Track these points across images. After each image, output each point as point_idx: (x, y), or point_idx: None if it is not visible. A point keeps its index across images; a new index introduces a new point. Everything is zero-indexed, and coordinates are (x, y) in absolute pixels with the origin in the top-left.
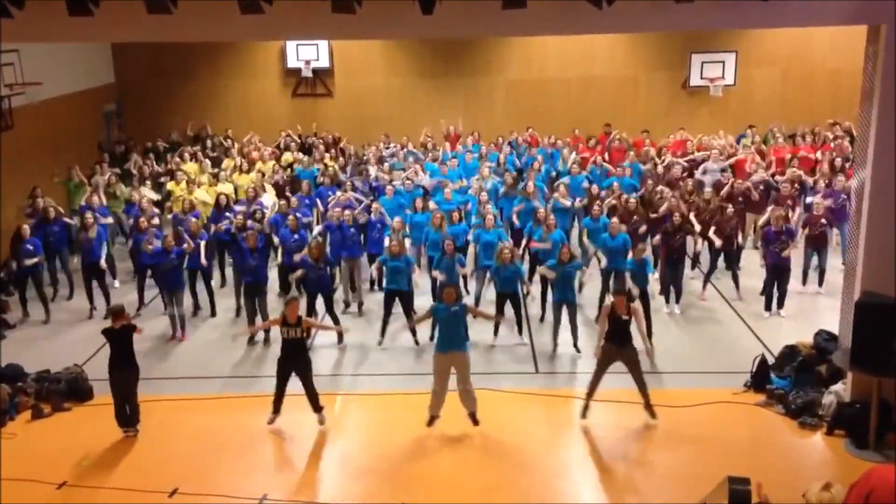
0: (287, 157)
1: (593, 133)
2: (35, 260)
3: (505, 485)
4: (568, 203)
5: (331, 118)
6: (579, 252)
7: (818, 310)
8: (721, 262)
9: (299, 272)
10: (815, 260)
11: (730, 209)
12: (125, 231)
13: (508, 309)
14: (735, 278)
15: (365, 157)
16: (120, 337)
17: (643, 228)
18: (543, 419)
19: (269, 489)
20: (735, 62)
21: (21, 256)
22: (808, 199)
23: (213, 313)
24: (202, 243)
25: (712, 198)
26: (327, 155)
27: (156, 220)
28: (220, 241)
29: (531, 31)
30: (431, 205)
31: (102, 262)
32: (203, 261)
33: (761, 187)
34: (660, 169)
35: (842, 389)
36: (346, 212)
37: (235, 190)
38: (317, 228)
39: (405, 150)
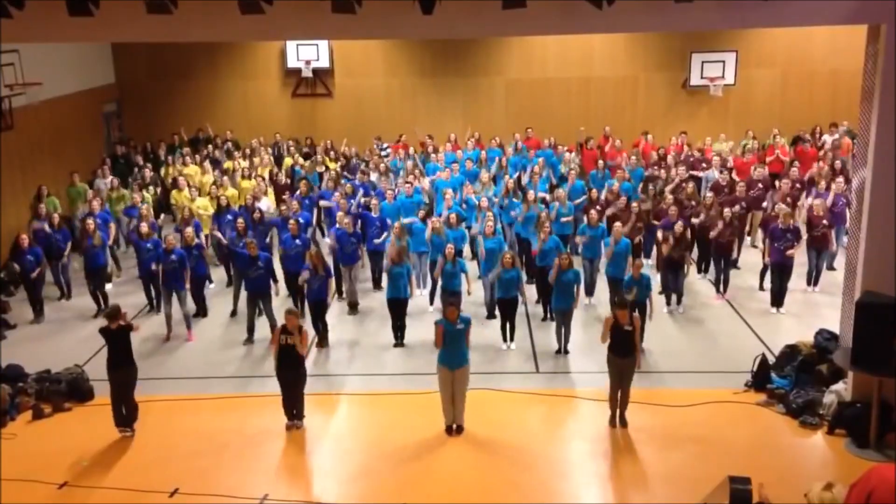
0: (287, 161)
1: (593, 134)
2: (38, 271)
3: (505, 485)
4: (567, 213)
5: (330, 118)
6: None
7: (819, 309)
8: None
9: (305, 274)
10: (815, 260)
11: (727, 213)
12: (125, 235)
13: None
14: (726, 280)
15: (366, 160)
16: (117, 337)
17: (640, 239)
18: (544, 419)
19: (269, 489)
20: (735, 62)
21: (24, 266)
22: (809, 201)
23: (205, 314)
24: (202, 248)
25: (713, 202)
26: (327, 158)
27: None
28: (223, 244)
29: (531, 31)
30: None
31: (110, 264)
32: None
33: (760, 185)
34: (662, 173)
35: (842, 389)
36: (346, 220)
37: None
38: (327, 240)
39: (407, 153)
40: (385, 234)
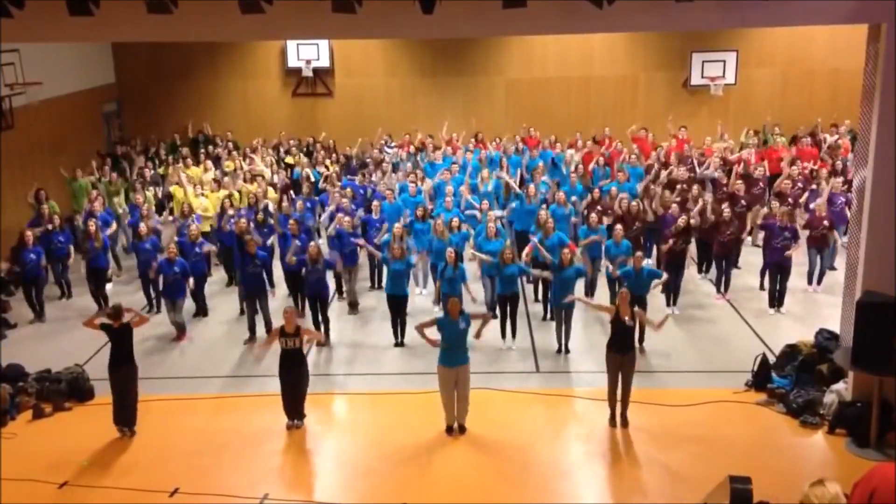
0: (288, 160)
1: (593, 134)
2: (42, 265)
3: (506, 484)
4: (567, 207)
5: (331, 118)
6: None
7: (819, 309)
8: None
9: (293, 257)
10: (817, 260)
11: (726, 212)
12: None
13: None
14: (727, 280)
15: (367, 158)
16: (119, 335)
17: (642, 237)
18: (544, 419)
19: (270, 489)
20: (736, 61)
21: (26, 265)
22: (812, 205)
23: (205, 313)
24: (204, 247)
25: (712, 202)
26: (328, 160)
27: (154, 221)
28: (224, 243)
29: (531, 30)
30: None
31: (111, 265)
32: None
33: (761, 184)
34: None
35: (843, 388)
36: (346, 219)
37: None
38: (323, 240)
39: (407, 153)
40: (384, 233)
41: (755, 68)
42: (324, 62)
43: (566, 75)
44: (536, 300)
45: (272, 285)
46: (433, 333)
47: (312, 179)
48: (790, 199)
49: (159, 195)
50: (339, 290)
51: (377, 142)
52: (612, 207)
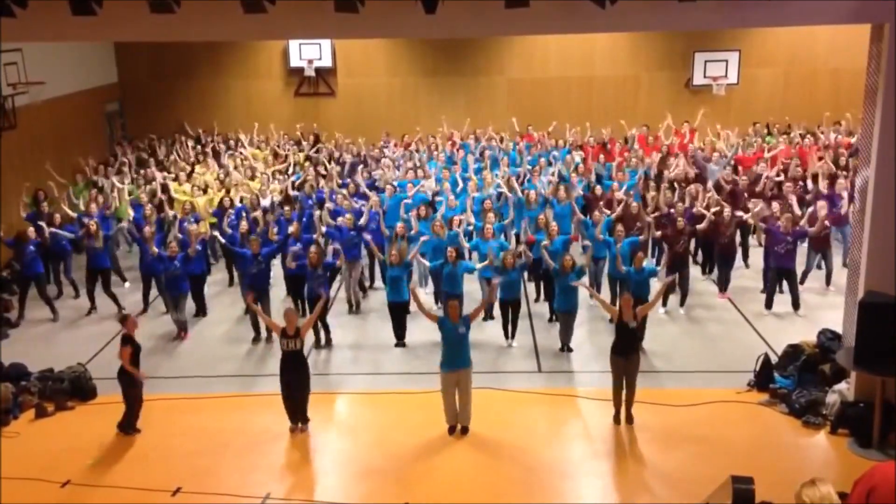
0: (291, 159)
1: (594, 132)
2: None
3: (508, 484)
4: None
5: (333, 117)
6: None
7: (821, 309)
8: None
9: (293, 258)
10: (820, 261)
11: (727, 211)
12: (133, 234)
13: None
14: (727, 278)
15: (365, 156)
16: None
17: (643, 236)
18: (546, 418)
19: (271, 488)
20: (738, 61)
21: (26, 261)
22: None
23: (205, 313)
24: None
25: (717, 201)
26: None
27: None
28: (229, 243)
29: (533, 30)
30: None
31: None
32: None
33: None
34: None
35: (845, 389)
36: (347, 215)
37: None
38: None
39: (408, 151)
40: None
41: (757, 68)
42: (326, 62)
43: (568, 75)
44: (537, 300)
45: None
46: (430, 309)
47: (313, 177)
48: (790, 201)
49: (158, 192)
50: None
51: (378, 143)
52: (611, 199)
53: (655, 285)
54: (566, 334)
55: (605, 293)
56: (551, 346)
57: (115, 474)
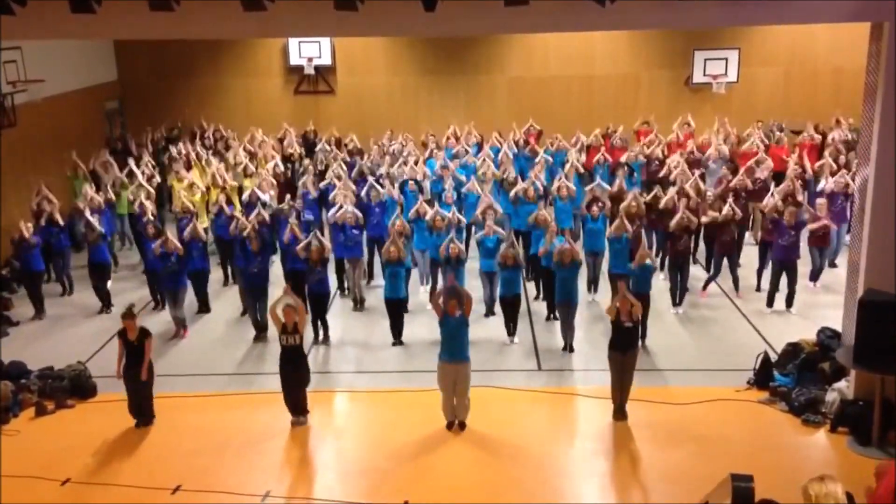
0: (289, 151)
1: (595, 131)
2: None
3: (508, 483)
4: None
5: (332, 115)
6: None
7: (821, 307)
8: (724, 263)
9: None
10: (818, 258)
11: (726, 209)
12: (134, 232)
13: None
14: (735, 279)
15: (369, 157)
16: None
17: (642, 235)
18: (546, 417)
19: (271, 486)
20: (738, 59)
21: (26, 257)
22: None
23: (207, 310)
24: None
25: (715, 198)
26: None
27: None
28: (222, 240)
29: (533, 28)
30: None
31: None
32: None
33: (761, 182)
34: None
35: (845, 387)
36: (348, 212)
37: (240, 191)
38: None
39: (408, 148)
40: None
41: (757, 66)
42: (325, 60)
43: (568, 73)
44: (537, 299)
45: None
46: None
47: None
48: (789, 197)
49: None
50: (340, 287)
51: (380, 141)
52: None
53: (657, 283)
54: (568, 331)
55: (605, 289)
56: (551, 345)
57: (116, 472)
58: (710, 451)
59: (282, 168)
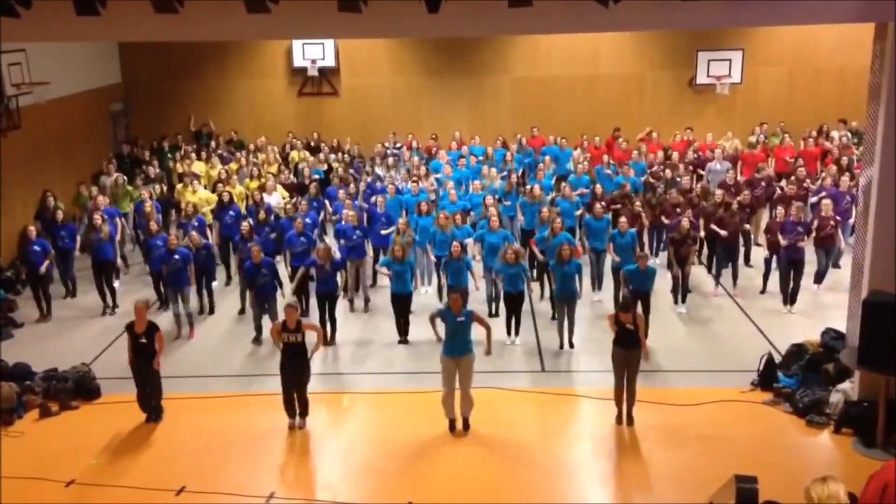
0: (294, 155)
1: (599, 132)
2: (47, 263)
3: (511, 483)
4: (574, 195)
5: (336, 117)
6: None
7: (825, 308)
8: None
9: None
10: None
11: (734, 205)
12: (136, 230)
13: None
14: (735, 273)
15: (365, 162)
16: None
17: (646, 235)
18: (550, 418)
19: (275, 487)
20: (742, 60)
21: (31, 259)
22: (813, 199)
23: (212, 311)
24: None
25: (722, 199)
26: (332, 156)
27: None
28: (226, 240)
29: (537, 29)
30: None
31: (119, 261)
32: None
33: (763, 184)
34: (667, 172)
35: (849, 388)
36: (351, 213)
37: (247, 198)
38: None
39: (410, 150)
40: (391, 228)
41: (761, 67)
42: (329, 62)
43: (572, 74)
44: (541, 298)
45: (281, 285)
46: (440, 327)
47: (315, 177)
48: (793, 200)
49: (164, 191)
50: (344, 289)
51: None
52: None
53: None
54: (569, 328)
55: (608, 286)
56: (555, 346)
57: (120, 473)
58: (714, 452)
59: (287, 174)
